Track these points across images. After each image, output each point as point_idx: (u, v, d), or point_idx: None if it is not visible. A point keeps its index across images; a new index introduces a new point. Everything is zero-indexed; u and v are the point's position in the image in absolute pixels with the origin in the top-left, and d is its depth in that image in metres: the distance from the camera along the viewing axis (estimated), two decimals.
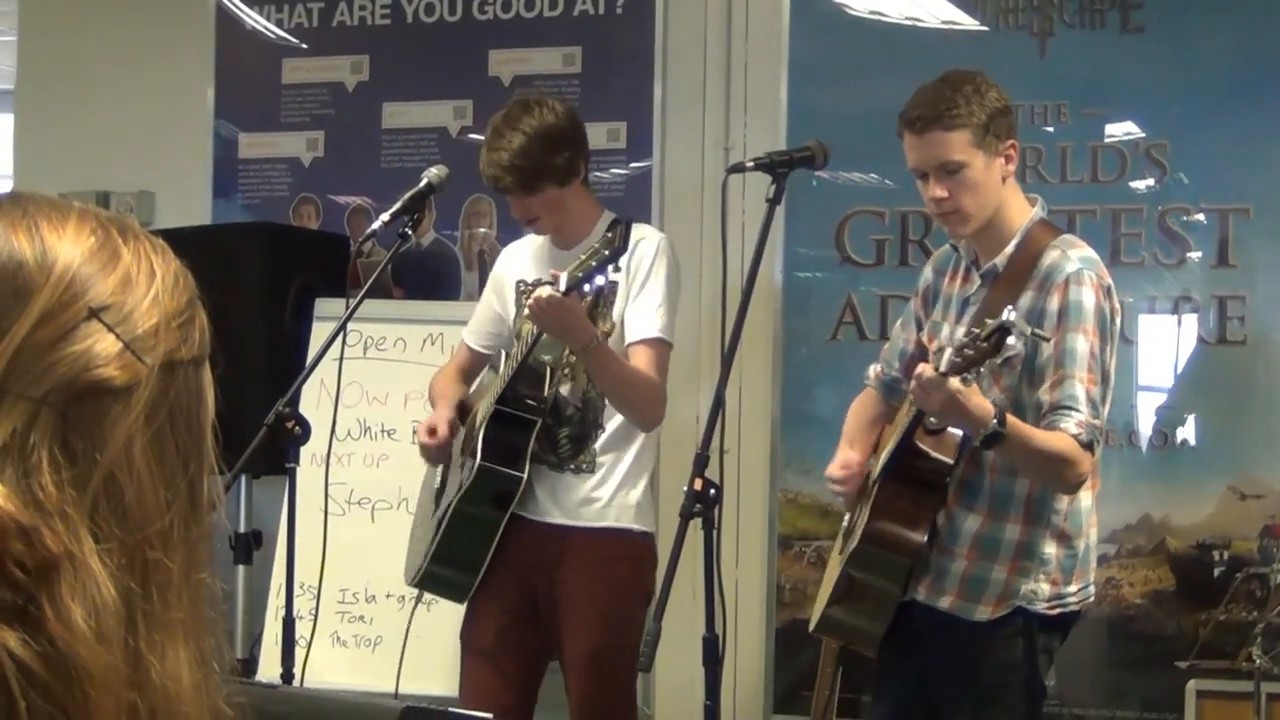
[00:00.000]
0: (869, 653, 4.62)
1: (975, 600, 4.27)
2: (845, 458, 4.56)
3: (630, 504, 5.06)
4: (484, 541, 4.99)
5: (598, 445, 5.03)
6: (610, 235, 4.62)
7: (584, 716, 5.06)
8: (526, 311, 4.74)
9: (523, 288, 5.14)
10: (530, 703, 5.13)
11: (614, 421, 5.04)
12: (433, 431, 5.07)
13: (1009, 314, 3.72)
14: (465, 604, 5.12)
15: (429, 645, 5.18)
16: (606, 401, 4.99)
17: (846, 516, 4.58)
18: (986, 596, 4.25)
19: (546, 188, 5.04)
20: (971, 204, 4.28)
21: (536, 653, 5.13)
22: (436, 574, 5.06)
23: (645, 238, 5.13)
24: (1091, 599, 4.42)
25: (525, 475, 4.95)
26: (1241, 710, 5.15)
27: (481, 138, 5.11)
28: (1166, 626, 5.74)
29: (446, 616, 5.32)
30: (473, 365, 5.28)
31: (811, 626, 4.70)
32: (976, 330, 3.79)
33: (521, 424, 4.99)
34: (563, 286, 4.60)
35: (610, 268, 4.62)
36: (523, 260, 5.24)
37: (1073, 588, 4.28)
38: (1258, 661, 4.98)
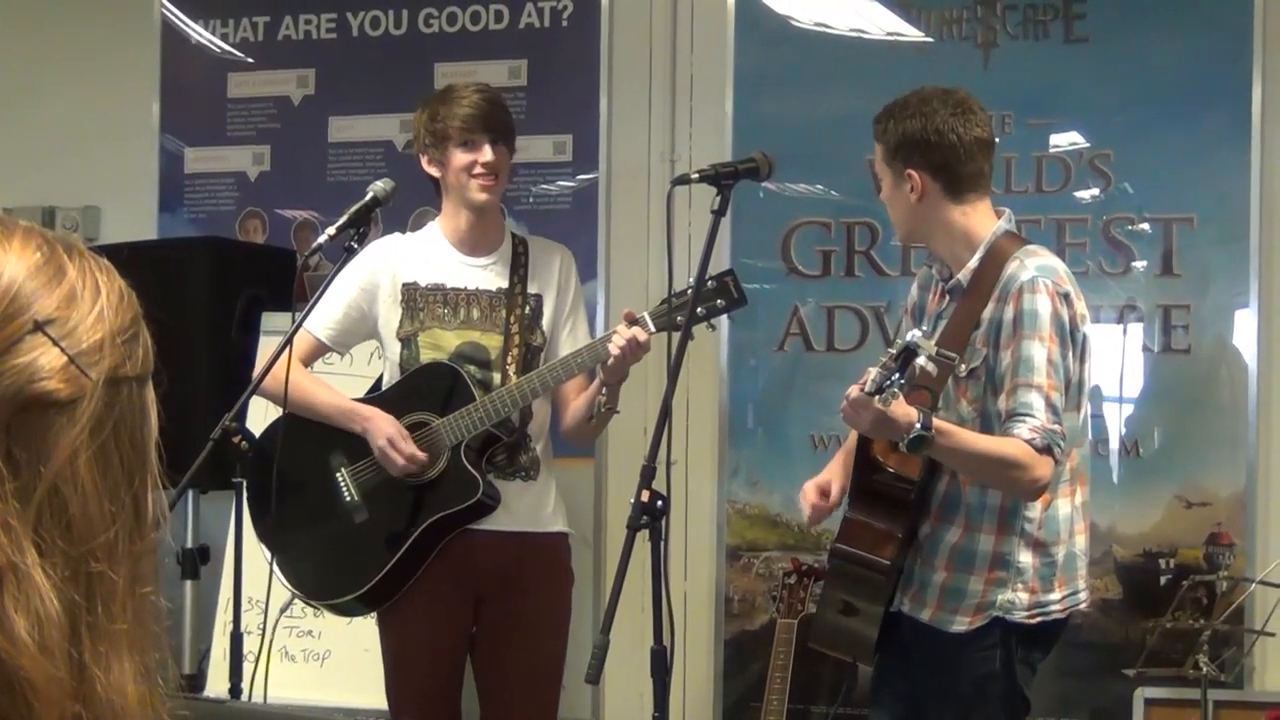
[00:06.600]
0: (864, 663, 4.67)
1: (953, 611, 4.30)
2: (822, 481, 4.58)
3: (563, 509, 5.13)
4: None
5: (538, 453, 5.04)
6: (715, 283, 4.63)
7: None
8: (617, 355, 4.70)
9: (412, 291, 5.05)
10: None
11: (541, 433, 5.07)
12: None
13: (912, 335, 3.76)
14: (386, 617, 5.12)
15: (376, 659, 5.16)
16: (533, 413, 5.01)
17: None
18: (964, 608, 4.28)
19: (510, 145, 5.05)
20: (890, 212, 4.44)
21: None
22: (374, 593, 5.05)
23: (562, 252, 5.15)
24: (1082, 605, 4.44)
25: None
26: (1189, 717, 5.17)
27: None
28: (1114, 635, 5.76)
29: None
30: (312, 357, 5.11)
31: (810, 639, 4.79)
32: (892, 350, 3.82)
33: (485, 440, 4.97)
34: (652, 329, 4.63)
35: (726, 317, 4.69)
36: (410, 261, 5.09)
37: (1054, 595, 4.30)
38: (1204, 669, 5.00)
